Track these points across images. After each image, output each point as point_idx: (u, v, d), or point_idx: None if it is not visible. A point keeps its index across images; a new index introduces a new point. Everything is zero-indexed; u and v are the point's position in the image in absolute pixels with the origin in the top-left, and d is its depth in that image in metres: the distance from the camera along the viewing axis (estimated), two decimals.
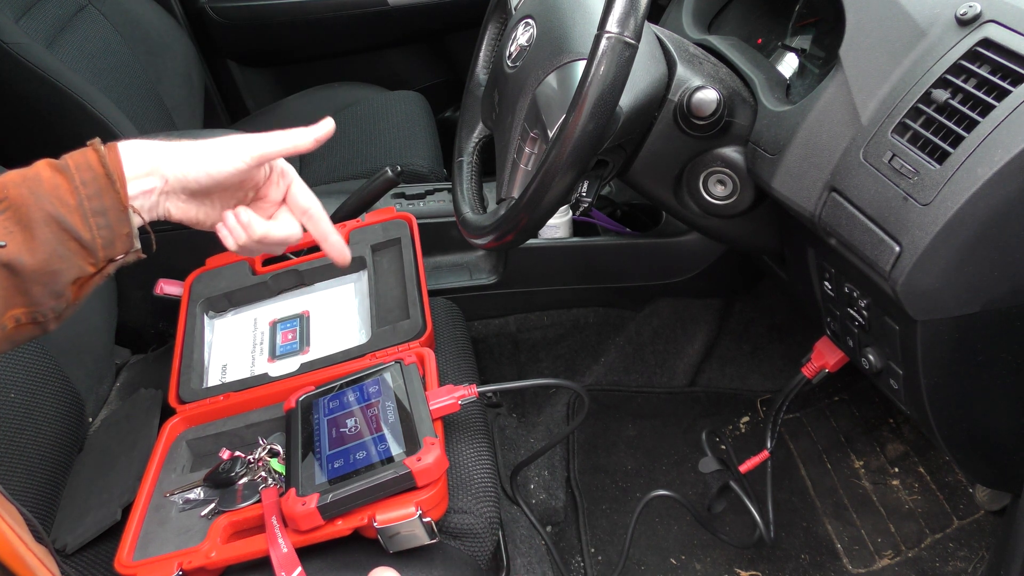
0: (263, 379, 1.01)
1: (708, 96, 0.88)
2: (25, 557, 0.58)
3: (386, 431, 0.84)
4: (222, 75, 1.96)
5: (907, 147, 0.71)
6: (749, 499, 1.16)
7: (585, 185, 0.90)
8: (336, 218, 1.26)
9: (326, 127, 0.70)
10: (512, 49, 0.90)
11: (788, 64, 0.99)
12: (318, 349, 1.05)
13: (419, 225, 1.16)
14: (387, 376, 0.91)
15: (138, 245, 0.65)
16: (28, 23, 1.37)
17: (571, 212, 1.40)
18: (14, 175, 0.61)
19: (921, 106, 0.72)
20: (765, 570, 1.26)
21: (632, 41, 0.68)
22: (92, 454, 1.05)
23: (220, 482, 0.88)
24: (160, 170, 0.65)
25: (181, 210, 0.68)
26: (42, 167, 0.62)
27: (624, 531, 1.27)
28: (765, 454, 1.15)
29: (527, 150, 0.84)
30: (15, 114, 1.34)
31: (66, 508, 0.97)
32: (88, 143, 0.64)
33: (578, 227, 1.43)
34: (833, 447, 1.40)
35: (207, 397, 1.00)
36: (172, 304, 1.16)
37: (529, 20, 0.89)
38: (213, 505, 0.87)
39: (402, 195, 1.39)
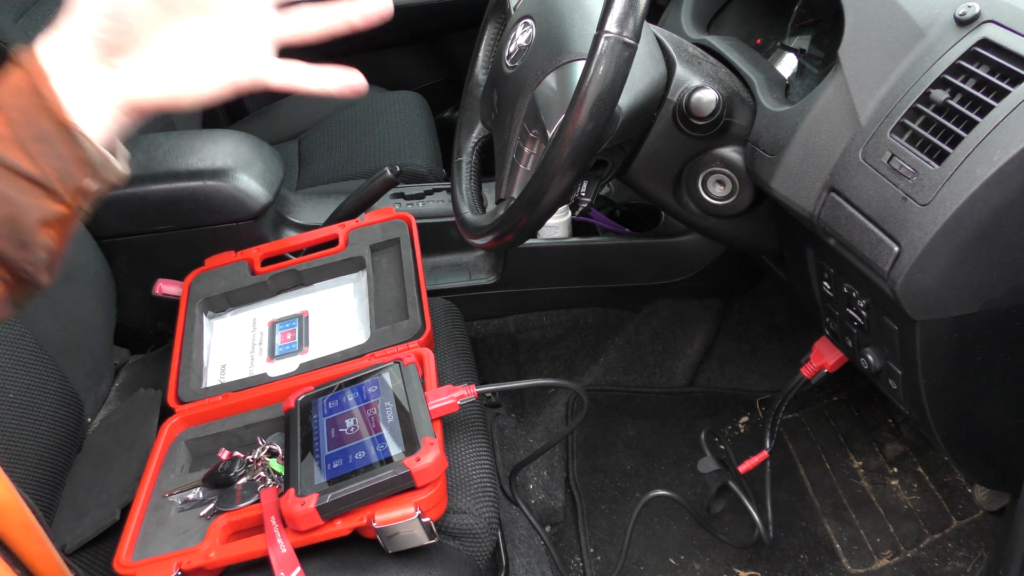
0: (262, 379, 1.01)
1: (707, 96, 0.88)
2: (39, 531, 0.55)
3: (385, 431, 0.84)
4: None
5: (906, 147, 0.71)
6: (748, 499, 1.16)
7: (584, 185, 0.90)
8: (335, 218, 1.27)
9: None
10: (511, 49, 0.90)
11: (787, 64, 1.00)
12: (317, 349, 1.05)
13: (418, 225, 1.16)
14: (386, 376, 0.91)
15: (115, 167, 0.54)
16: (27, 23, 1.37)
17: (570, 212, 1.40)
18: None
19: (920, 106, 0.72)
20: (764, 570, 1.26)
21: (631, 41, 0.68)
22: (91, 454, 1.05)
23: (219, 482, 0.88)
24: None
25: (145, 84, 0.53)
26: None
27: (623, 531, 1.27)
28: (764, 454, 1.15)
29: (526, 150, 0.84)
30: None
31: (65, 508, 0.97)
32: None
33: (577, 227, 1.43)
34: (832, 447, 1.40)
35: (206, 397, 1.00)
36: (171, 304, 1.16)
37: (528, 20, 0.89)
38: (212, 505, 0.87)
39: (401, 195, 1.39)
